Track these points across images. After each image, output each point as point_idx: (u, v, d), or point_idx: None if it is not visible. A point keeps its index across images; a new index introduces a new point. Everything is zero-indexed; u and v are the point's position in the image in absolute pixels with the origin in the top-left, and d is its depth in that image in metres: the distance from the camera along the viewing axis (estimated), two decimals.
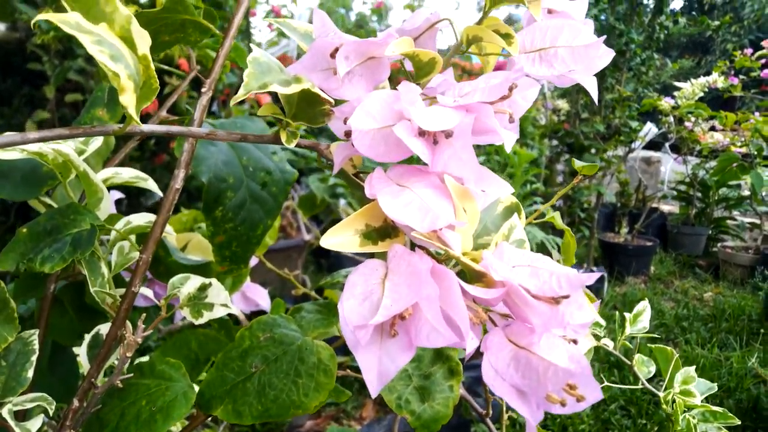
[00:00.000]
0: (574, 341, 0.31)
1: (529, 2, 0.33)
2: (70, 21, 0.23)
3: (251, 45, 0.33)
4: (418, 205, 0.29)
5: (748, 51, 3.56)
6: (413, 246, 0.32)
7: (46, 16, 0.23)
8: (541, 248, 2.31)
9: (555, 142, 3.65)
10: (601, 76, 3.12)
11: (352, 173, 0.35)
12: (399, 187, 0.31)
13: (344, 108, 0.32)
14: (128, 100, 0.24)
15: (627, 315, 0.76)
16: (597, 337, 0.74)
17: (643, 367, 0.75)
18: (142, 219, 0.43)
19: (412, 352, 0.27)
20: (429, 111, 0.29)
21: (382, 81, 0.36)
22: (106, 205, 0.40)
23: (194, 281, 0.42)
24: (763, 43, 2.82)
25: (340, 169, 0.35)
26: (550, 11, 0.41)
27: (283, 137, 0.31)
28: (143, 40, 0.26)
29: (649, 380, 0.75)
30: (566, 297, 0.27)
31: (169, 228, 0.61)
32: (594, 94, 0.37)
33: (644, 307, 0.78)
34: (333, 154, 0.33)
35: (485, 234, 0.35)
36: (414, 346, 0.27)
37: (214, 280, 0.42)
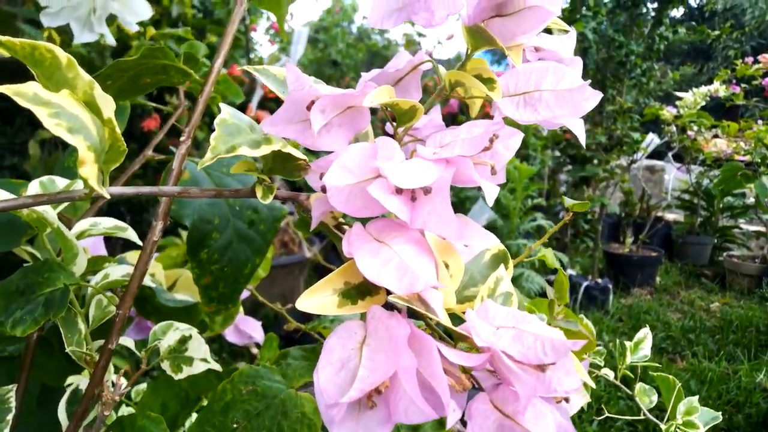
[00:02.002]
0: (566, 399, 0.30)
1: (508, 49, 0.32)
2: (26, 93, 0.22)
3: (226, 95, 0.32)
4: (397, 264, 0.28)
5: (749, 59, 3.55)
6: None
7: (2, 89, 0.22)
8: (544, 264, 2.30)
9: (557, 153, 3.63)
10: (602, 87, 3.12)
11: (333, 225, 0.34)
12: (378, 243, 0.30)
13: (320, 162, 0.31)
14: (88, 172, 0.23)
15: (627, 343, 0.75)
16: (597, 367, 0.72)
17: (645, 397, 0.73)
18: (120, 272, 0.42)
19: (391, 425, 0.26)
20: (405, 168, 0.28)
21: (362, 129, 0.35)
22: (83, 261, 0.40)
23: (175, 334, 0.41)
24: (759, 58, 2.80)
25: (321, 221, 0.34)
26: (537, 49, 0.40)
27: (259, 193, 0.30)
28: (107, 104, 0.25)
29: (652, 409, 0.74)
30: (552, 364, 0.26)
31: (158, 266, 0.60)
32: (582, 138, 0.36)
33: (645, 334, 0.76)
34: (311, 207, 0.32)
35: (471, 285, 0.34)
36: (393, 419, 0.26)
37: (194, 333, 0.41)
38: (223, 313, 0.54)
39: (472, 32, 0.33)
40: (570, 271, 3.06)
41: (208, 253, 0.48)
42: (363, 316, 0.30)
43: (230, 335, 0.71)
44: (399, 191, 0.29)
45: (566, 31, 0.40)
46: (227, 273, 0.50)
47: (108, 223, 0.43)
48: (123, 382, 0.35)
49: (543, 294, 2.35)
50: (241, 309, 0.75)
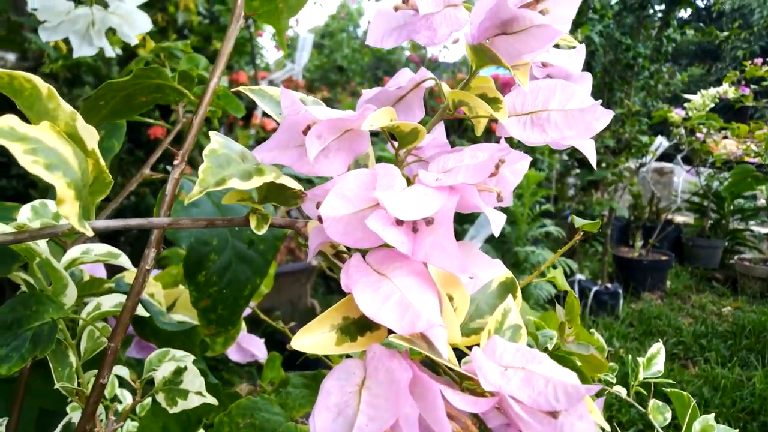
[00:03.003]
0: None
1: (514, 69, 0.31)
2: (2, 128, 0.21)
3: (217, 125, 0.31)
4: (398, 300, 0.27)
5: (759, 60, 3.51)
6: None
7: None
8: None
9: (565, 157, 3.60)
10: (609, 90, 3.09)
11: (332, 254, 0.32)
12: (378, 276, 0.28)
13: (317, 191, 0.30)
14: (68, 210, 0.21)
15: (640, 359, 0.73)
16: (608, 384, 0.70)
17: (659, 414, 0.71)
18: (111, 302, 0.41)
19: None
20: (406, 198, 0.27)
21: (362, 152, 0.33)
22: (72, 292, 0.38)
23: (170, 364, 0.39)
24: None
25: (320, 250, 0.32)
26: (544, 64, 0.39)
27: (253, 223, 0.29)
28: (91, 135, 0.24)
29: (667, 426, 0.71)
30: (564, 410, 0.24)
31: (157, 285, 0.59)
32: (592, 159, 0.34)
33: (658, 349, 0.74)
34: (309, 236, 0.31)
35: (478, 316, 0.32)
36: None
37: (190, 364, 0.40)
38: (223, 335, 0.52)
39: (477, 51, 0.32)
40: (579, 276, 3.03)
41: (207, 275, 0.47)
42: (363, 354, 0.28)
43: (233, 354, 0.69)
44: (399, 222, 0.27)
45: (574, 46, 0.39)
46: (226, 295, 0.49)
47: (100, 250, 0.42)
48: (113, 419, 0.34)
49: (552, 301, 2.32)
50: (244, 325, 0.73)
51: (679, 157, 3.68)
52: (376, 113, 0.31)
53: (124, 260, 0.42)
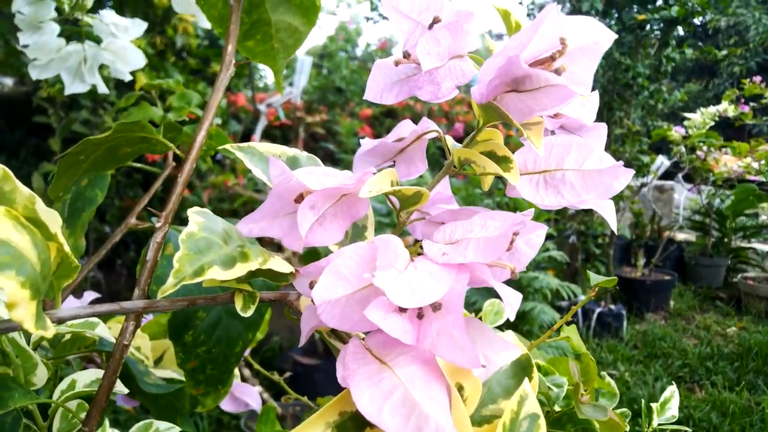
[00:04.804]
0: None
1: (526, 128, 0.28)
2: None
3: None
4: (401, 398, 0.23)
5: (757, 78, 3.52)
6: None
7: None
8: (556, 295, 2.23)
9: None
10: (608, 109, 3.08)
11: (328, 332, 0.29)
12: (379, 365, 0.25)
13: (310, 268, 0.27)
14: (21, 314, 0.18)
15: (653, 405, 0.69)
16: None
17: None
18: (87, 378, 0.37)
19: None
20: (409, 280, 0.24)
21: (361, 216, 0.31)
22: (42, 372, 0.35)
23: None
24: None
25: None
26: (556, 115, 0.36)
27: (239, 303, 0.26)
28: (52, 218, 0.21)
29: None
30: None
31: (144, 338, 0.55)
32: (612, 222, 0.32)
33: (672, 393, 0.70)
34: (301, 315, 0.28)
35: (490, 401, 0.29)
36: None
37: None
38: (213, 395, 0.49)
39: (485, 108, 0.29)
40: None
41: (194, 334, 0.44)
42: None
43: (225, 404, 0.66)
44: (403, 308, 0.24)
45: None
46: (216, 354, 0.46)
47: (76, 320, 0.39)
48: None
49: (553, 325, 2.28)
50: (237, 372, 0.70)
51: (679, 175, 3.66)
52: (375, 178, 0.28)
53: (101, 330, 0.39)
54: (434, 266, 0.25)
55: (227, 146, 0.30)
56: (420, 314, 0.24)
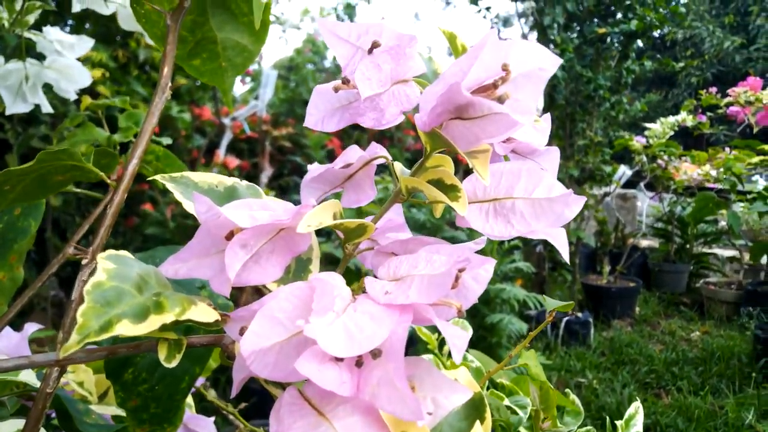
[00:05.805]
0: None
1: (472, 156, 0.27)
2: None
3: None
4: None
5: (713, 89, 3.63)
6: None
7: None
8: (524, 305, 2.24)
9: None
10: (571, 120, 3.14)
11: (264, 379, 0.27)
12: (317, 417, 0.23)
13: (242, 312, 0.25)
14: None
15: (618, 422, 0.69)
16: None
17: None
18: (7, 429, 0.34)
19: None
20: (346, 326, 0.22)
21: (302, 251, 0.29)
22: None
23: None
24: (729, 92, 2.87)
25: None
26: (507, 139, 0.35)
27: (162, 353, 0.24)
28: None
29: None
30: None
31: (87, 372, 0.52)
32: (564, 251, 0.30)
33: (636, 409, 0.70)
34: (234, 359, 0.26)
35: None
36: None
37: None
38: None
39: (430, 136, 0.28)
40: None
41: (135, 372, 0.41)
42: None
43: None
44: (339, 358, 0.22)
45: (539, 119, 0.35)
46: (159, 392, 0.43)
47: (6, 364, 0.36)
48: None
49: (523, 336, 2.28)
50: (191, 402, 0.67)
51: (641, 183, 3.75)
52: (315, 211, 0.26)
53: (26, 376, 0.36)
54: (376, 307, 0.24)
55: (156, 177, 0.28)
56: (359, 362, 0.23)
